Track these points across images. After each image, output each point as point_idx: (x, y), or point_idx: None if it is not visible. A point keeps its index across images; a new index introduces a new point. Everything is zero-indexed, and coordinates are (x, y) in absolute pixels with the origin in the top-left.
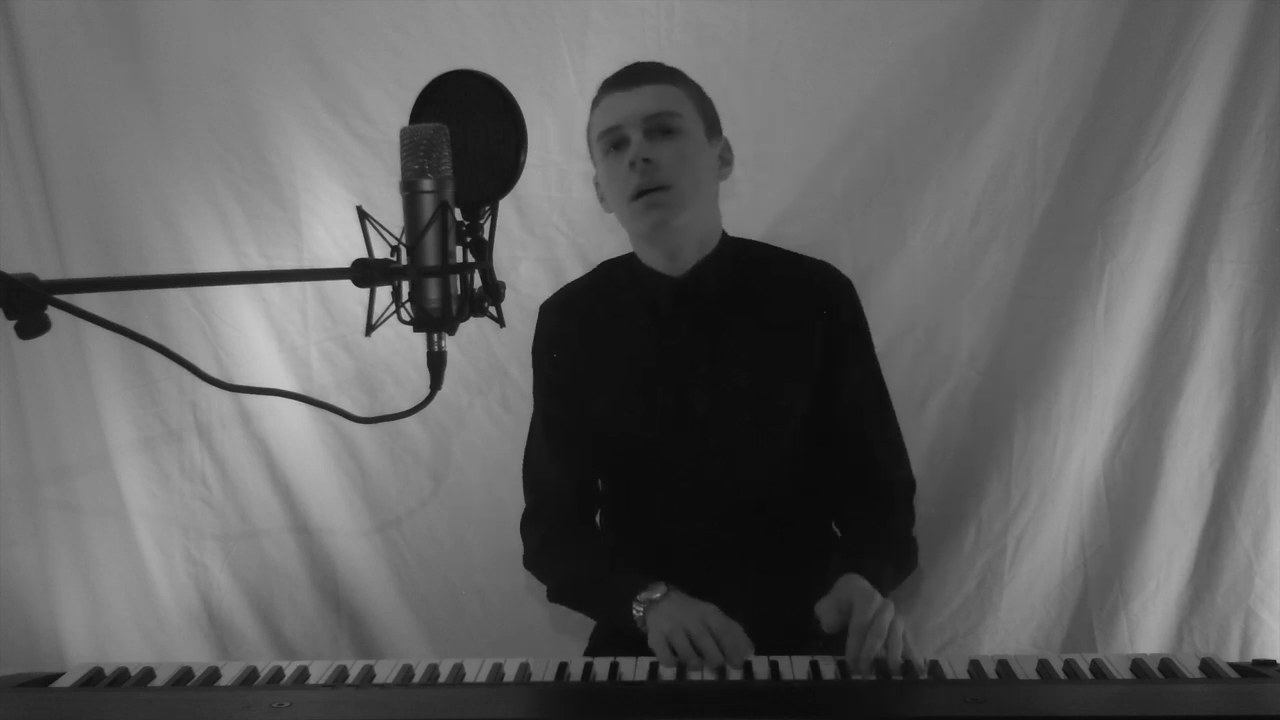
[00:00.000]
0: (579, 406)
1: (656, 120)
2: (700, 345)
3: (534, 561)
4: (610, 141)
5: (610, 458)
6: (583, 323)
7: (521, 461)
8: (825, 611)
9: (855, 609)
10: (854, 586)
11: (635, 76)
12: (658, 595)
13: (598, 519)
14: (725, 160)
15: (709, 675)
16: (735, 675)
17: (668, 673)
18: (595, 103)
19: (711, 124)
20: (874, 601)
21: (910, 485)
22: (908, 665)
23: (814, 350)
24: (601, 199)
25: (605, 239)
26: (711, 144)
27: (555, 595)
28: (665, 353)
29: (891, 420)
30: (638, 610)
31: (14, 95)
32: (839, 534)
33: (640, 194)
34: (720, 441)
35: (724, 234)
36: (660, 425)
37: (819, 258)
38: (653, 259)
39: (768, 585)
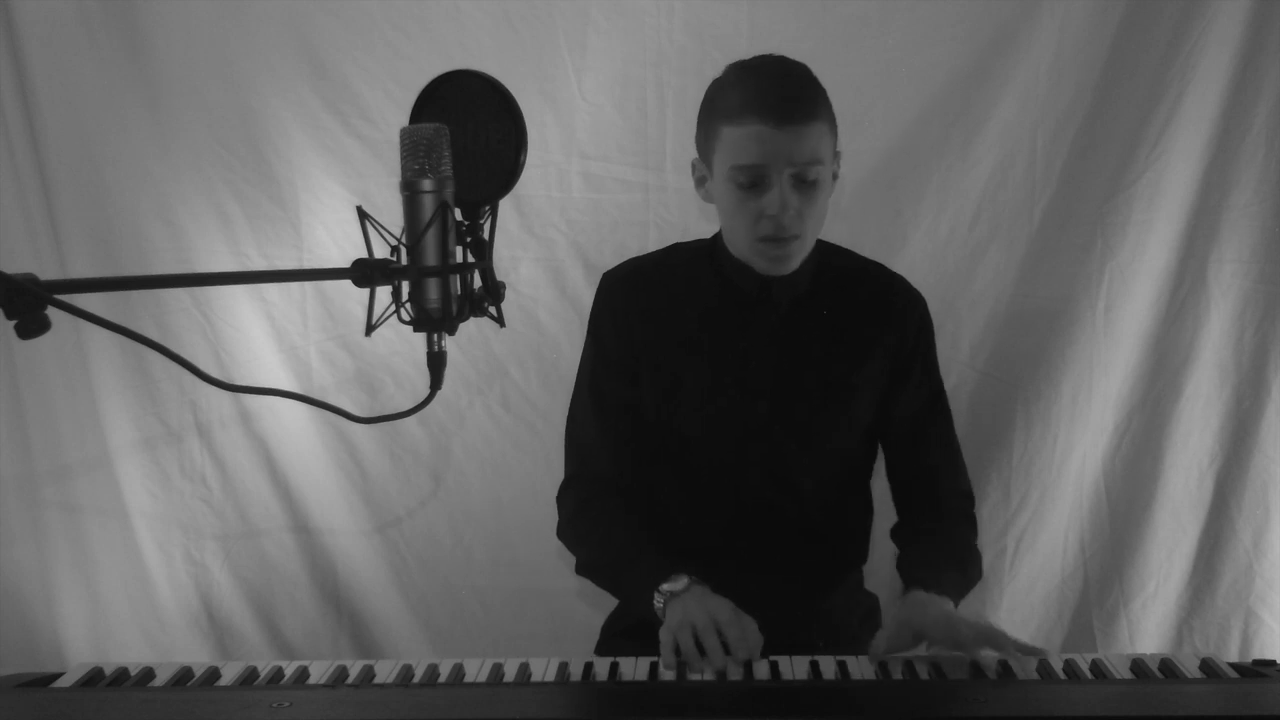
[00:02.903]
0: (634, 383)
1: (802, 171)
2: (773, 347)
3: (566, 532)
4: (747, 176)
5: (649, 444)
6: (651, 299)
7: (521, 460)
8: (889, 637)
9: (934, 632)
10: (925, 614)
11: (787, 111)
12: (679, 587)
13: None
14: (836, 175)
15: (709, 675)
16: (735, 675)
17: (668, 673)
18: (730, 117)
19: (835, 143)
20: (958, 628)
21: (969, 499)
22: (908, 665)
23: (883, 366)
24: (700, 183)
25: (605, 239)
26: (833, 165)
27: (583, 569)
28: (736, 347)
29: (951, 435)
30: (658, 601)
31: (14, 95)
32: (900, 550)
33: (768, 240)
34: (774, 448)
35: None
36: (709, 419)
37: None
38: (753, 265)
39: (784, 596)
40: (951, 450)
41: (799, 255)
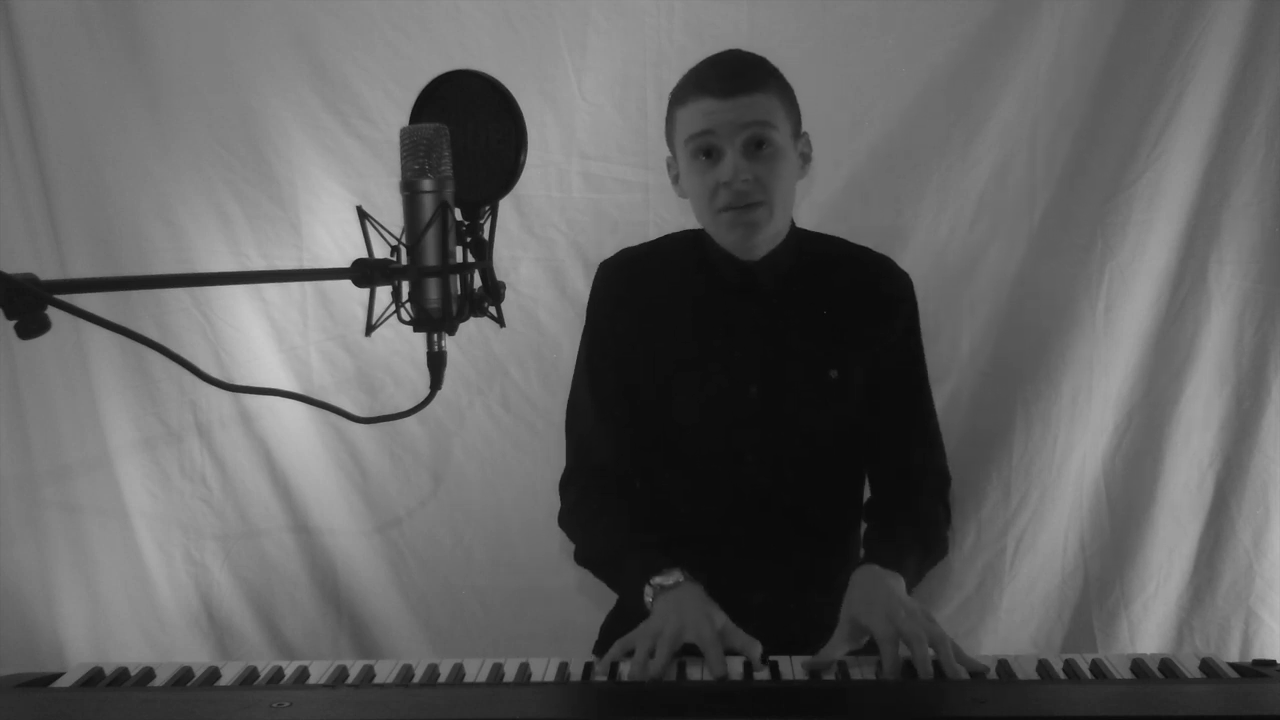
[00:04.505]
0: (629, 371)
1: (752, 134)
2: (762, 332)
3: (567, 520)
4: (700, 147)
5: (646, 430)
6: (645, 288)
7: (521, 460)
8: (846, 636)
9: (875, 629)
10: (870, 606)
11: (731, 83)
12: (670, 582)
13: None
14: (805, 157)
15: (709, 675)
16: (735, 675)
17: (668, 673)
18: (681, 100)
19: (796, 122)
20: (896, 615)
21: (943, 478)
22: (907, 666)
23: (873, 349)
24: (675, 180)
25: (605, 239)
26: (795, 145)
27: (581, 559)
28: (725, 333)
29: (928, 412)
30: (648, 595)
31: (14, 95)
32: (866, 525)
33: (730, 209)
34: (766, 432)
35: (792, 223)
36: (701, 407)
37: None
38: (726, 243)
39: (782, 584)
40: (928, 427)
41: (765, 225)
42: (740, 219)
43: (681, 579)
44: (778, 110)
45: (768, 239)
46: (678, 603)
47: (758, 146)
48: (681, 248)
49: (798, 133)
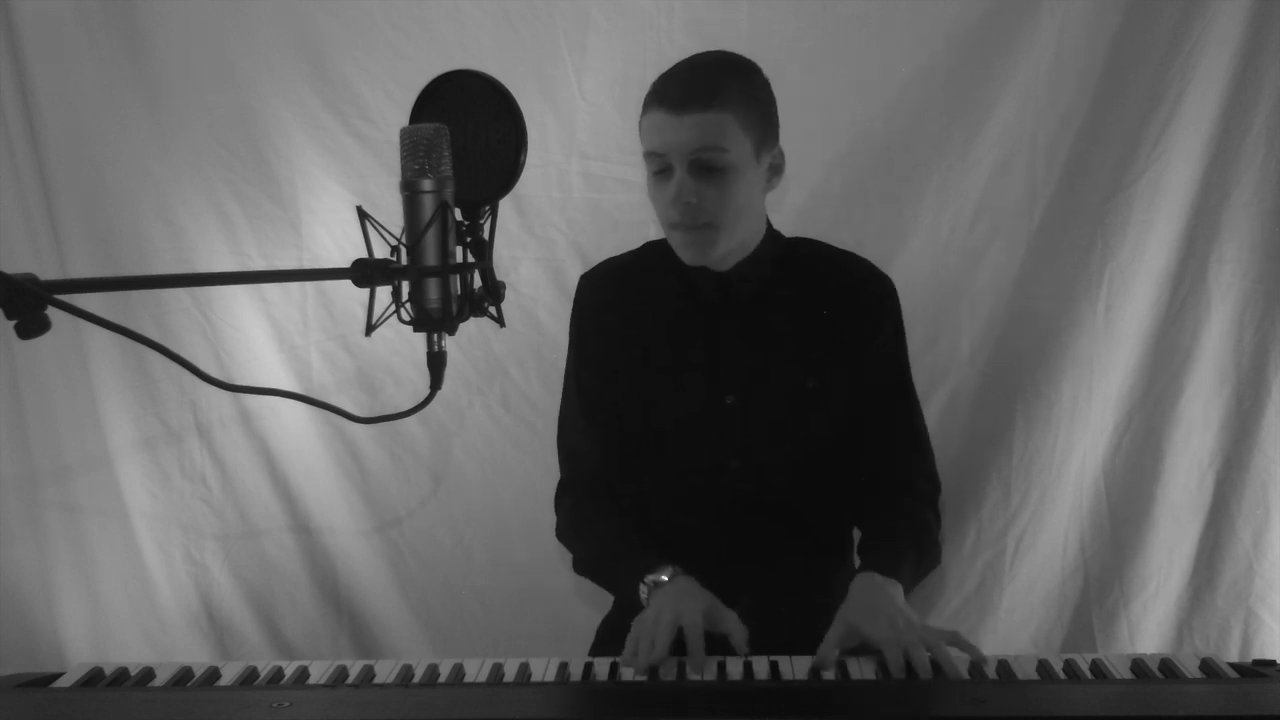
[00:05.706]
0: (611, 381)
1: (701, 156)
2: (740, 340)
3: (564, 532)
4: (653, 164)
5: (627, 442)
6: (623, 300)
7: (521, 460)
8: (839, 639)
9: (877, 634)
10: (873, 617)
11: (684, 98)
12: (665, 578)
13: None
14: (776, 169)
15: (709, 675)
16: (735, 675)
17: (668, 673)
18: (644, 109)
19: (761, 139)
20: (896, 622)
21: (933, 483)
22: (907, 665)
23: (853, 355)
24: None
25: (605, 239)
26: (760, 160)
27: (579, 567)
28: (702, 343)
29: (915, 417)
30: (643, 592)
31: (14, 95)
32: (861, 532)
33: (679, 227)
34: (746, 441)
35: (769, 231)
36: (682, 416)
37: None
38: (684, 258)
39: (772, 590)
40: (917, 431)
41: (717, 244)
42: (690, 239)
43: (674, 574)
44: (731, 128)
45: (727, 254)
46: (666, 597)
47: (706, 168)
48: (660, 257)
49: (763, 145)
